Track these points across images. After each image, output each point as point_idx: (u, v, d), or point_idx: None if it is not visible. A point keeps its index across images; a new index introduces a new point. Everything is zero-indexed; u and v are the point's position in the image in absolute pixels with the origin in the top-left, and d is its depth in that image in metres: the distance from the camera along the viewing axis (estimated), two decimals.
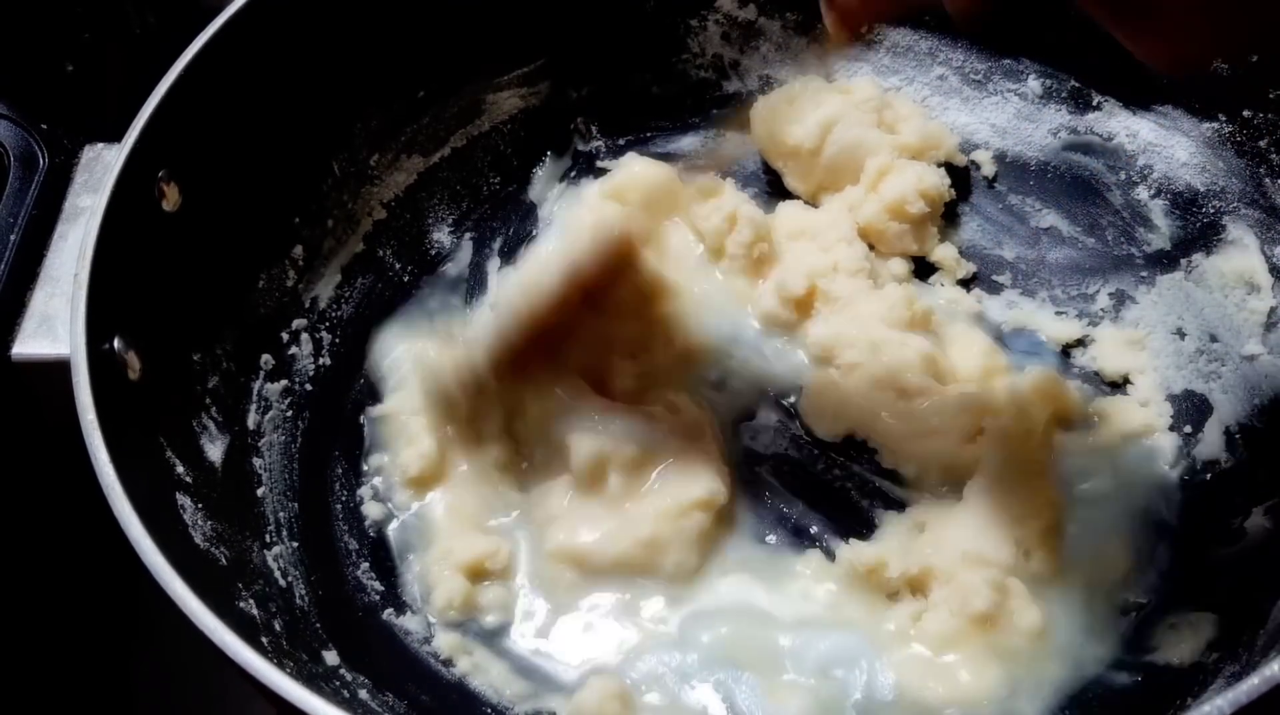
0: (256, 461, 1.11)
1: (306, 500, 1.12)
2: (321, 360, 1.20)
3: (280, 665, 0.85)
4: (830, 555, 1.06)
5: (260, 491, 1.09)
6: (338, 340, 1.21)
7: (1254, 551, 1.00)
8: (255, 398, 1.14)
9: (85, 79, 1.28)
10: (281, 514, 1.09)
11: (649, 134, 1.35)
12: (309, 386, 1.18)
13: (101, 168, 1.05)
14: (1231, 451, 1.09)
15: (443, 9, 1.24)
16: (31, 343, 0.97)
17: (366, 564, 1.09)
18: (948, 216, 1.27)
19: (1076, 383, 1.15)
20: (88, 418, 0.88)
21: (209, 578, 0.93)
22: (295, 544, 1.08)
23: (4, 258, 0.99)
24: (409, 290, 1.26)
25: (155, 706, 1.18)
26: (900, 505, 1.10)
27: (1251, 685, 0.72)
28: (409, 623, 1.06)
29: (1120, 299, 1.20)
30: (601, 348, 1.14)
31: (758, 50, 1.35)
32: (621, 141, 1.34)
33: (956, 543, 1.03)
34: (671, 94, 1.36)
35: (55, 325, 0.97)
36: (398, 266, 1.27)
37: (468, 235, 1.30)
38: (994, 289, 1.23)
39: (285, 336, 1.19)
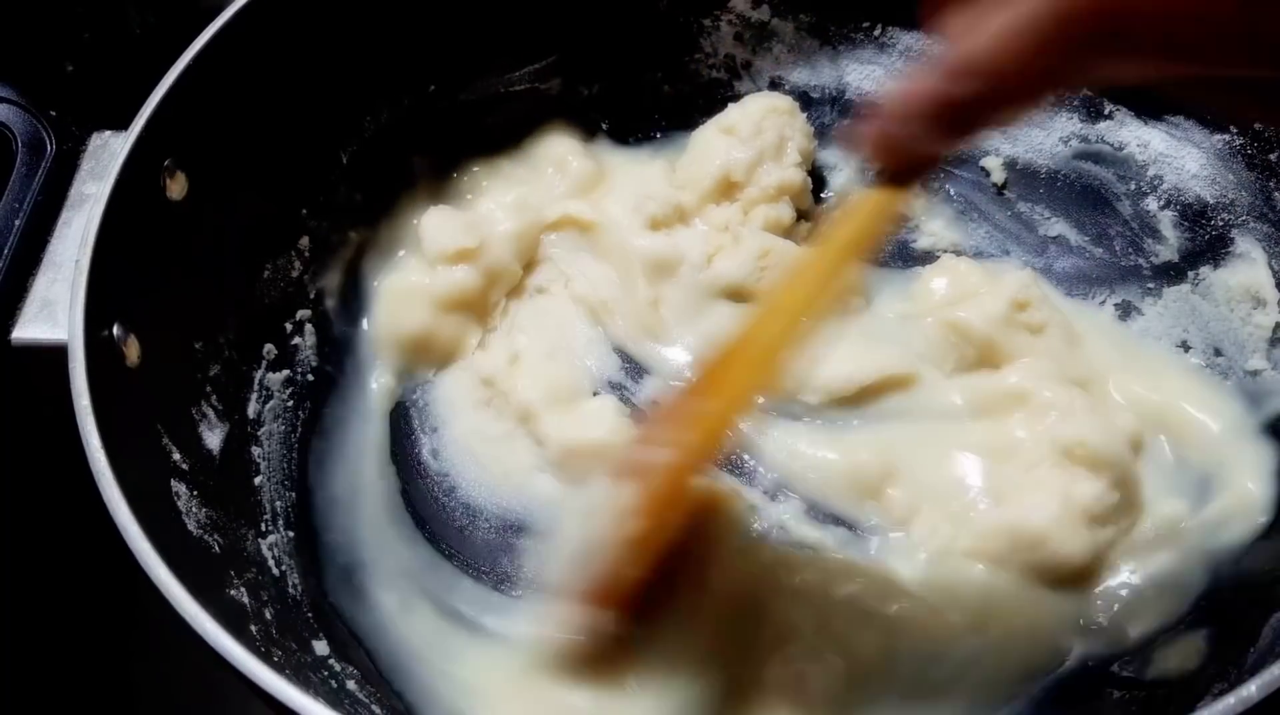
0: (255, 450, 1.11)
1: (304, 490, 1.12)
2: (325, 351, 1.20)
3: (267, 654, 0.86)
4: None
5: (258, 481, 1.10)
6: (342, 332, 1.22)
7: (1247, 569, 0.99)
8: (256, 387, 1.14)
9: (85, 79, 1.28)
10: (278, 503, 1.10)
11: (658, 133, 1.35)
12: (311, 377, 1.18)
13: (108, 155, 1.05)
14: None
15: (455, 3, 1.24)
16: (32, 328, 0.97)
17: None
18: (955, 223, 1.27)
19: None
20: (82, 403, 0.89)
21: (199, 565, 0.94)
22: (290, 533, 1.09)
23: (8, 243, 1.00)
24: None
25: (155, 706, 1.19)
26: None
27: (1227, 705, 0.72)
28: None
29: (1126, 310, 1.19)
30: None
31: (770, 51, 1.35)
32: (631, 139, 1.34)
33: None
34: (683, 93, 1.35)
35: (56, 311, 0.97)
36: None
37: None
38: None
39: (289, 327, 1.19)
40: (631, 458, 0.92)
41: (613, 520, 0.89)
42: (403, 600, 1.06)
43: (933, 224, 1.27)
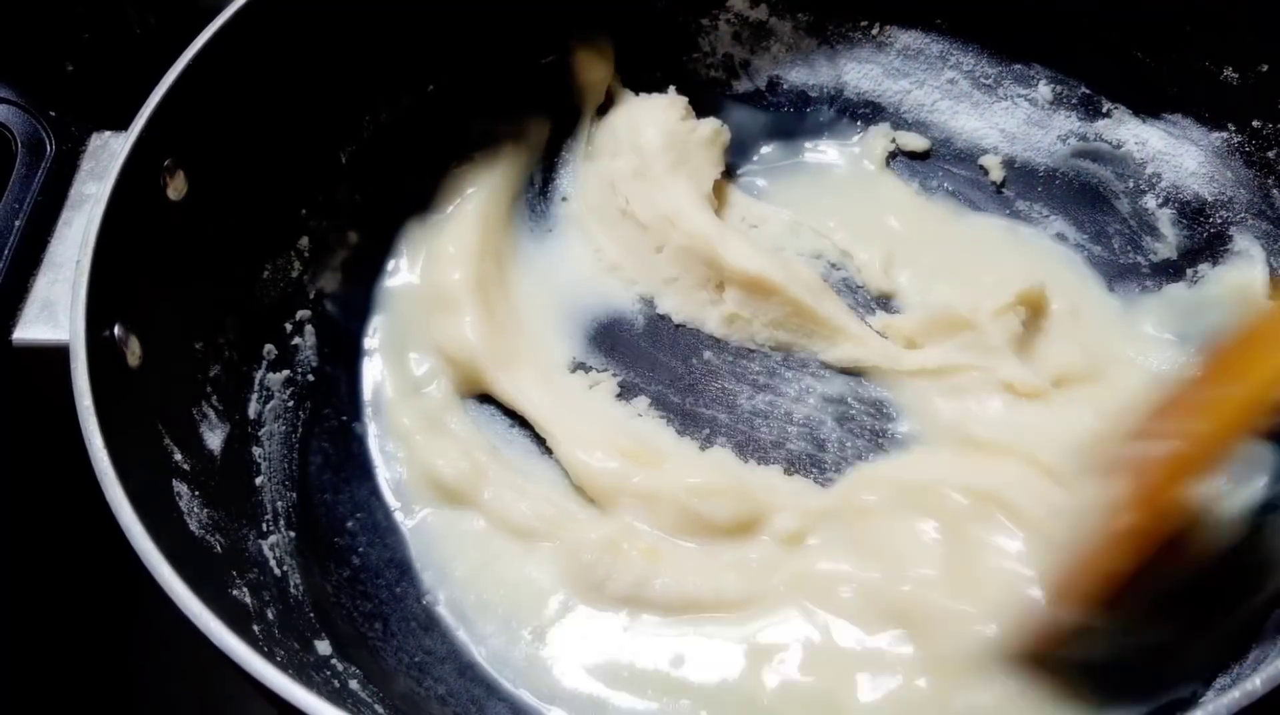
0: (256, 451, 1.11)
1: (305, 490, 1.12)
2: (325, 351, 1.20)
3: (270, 654, 0.86)
4: None
5: (259, 481, 1.10)
6: (342, 332, 1.22)
7: (1247, 566, 0.99)
8: (257, 387, 1.14)
9: (85, 79, 1.28)
10: (279, 503, 1.10)
11: None
12: (311, 377, 1.18)
13: (108, 155, 1.05)
14: None
15: (454, 4, 1.24)
16: (33, 328, 0.97)
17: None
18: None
19: None
20: (84, 403, 0.89)
21: (202, 565, 0.94)
22: (292, 533, 1.09)
23: (8, 243, 0.99)
24: None
25: (156, 706, 1.19)
26: None
27: (1232, 699, 0.72)
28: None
29: (1124, 307, 1.19)
30: None
31: (768, 50, 1.35)
32: None
33: None
34: (682, 92, 1.35)
35: (57, 311, 0.97)
36: None
37: None
38: None
39: (289, 327, 1.19)
40: (1128, 452, 0.87)
41: (1104, 515, 0.86)
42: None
43: None
